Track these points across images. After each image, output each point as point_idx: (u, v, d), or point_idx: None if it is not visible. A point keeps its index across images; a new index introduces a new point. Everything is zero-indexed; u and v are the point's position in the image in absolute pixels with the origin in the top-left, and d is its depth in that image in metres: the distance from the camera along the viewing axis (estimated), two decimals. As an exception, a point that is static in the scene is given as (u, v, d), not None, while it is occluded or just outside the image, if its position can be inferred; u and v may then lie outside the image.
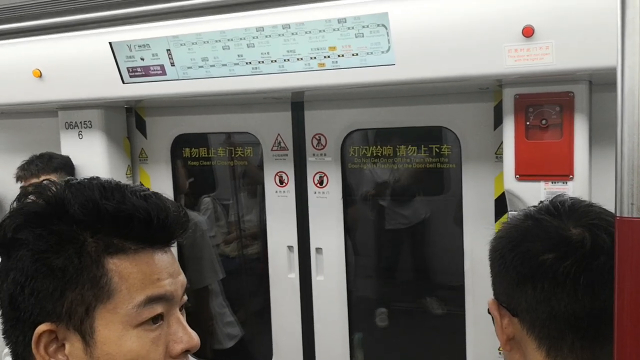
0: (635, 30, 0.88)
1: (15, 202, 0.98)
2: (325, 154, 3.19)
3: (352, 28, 2.39)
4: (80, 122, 3.35)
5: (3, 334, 0.98)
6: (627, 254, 0.90)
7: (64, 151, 3.36)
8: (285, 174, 3.29)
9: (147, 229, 0.95)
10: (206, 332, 3.78)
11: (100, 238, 0.93)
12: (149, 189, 0.99)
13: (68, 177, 1.00)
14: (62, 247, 0.91)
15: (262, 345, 3.59)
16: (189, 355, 1.00)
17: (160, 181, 3.57)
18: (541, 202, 1.21)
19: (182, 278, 1.02)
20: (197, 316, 3.78)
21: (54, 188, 0.96)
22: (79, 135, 3.36)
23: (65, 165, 3.26)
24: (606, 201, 1.15)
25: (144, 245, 0.95)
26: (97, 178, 0.99)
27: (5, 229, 0.94)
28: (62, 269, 0.91)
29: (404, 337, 3.59)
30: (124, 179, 3.44)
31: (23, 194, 1.01)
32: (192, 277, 3.70)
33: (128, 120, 3.57)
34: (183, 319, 1.00)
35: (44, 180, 1.24)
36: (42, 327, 0.91)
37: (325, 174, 3.20)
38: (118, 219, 0.93)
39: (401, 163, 3.20)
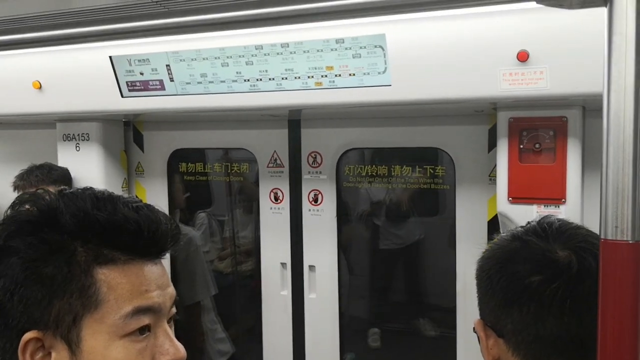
0: (621, 56, 0.90)
1: (9, 210, 0.98)
2: (320, 172, 3.20)
3: (350, 48, 2.42)
4: (78, 135, 3.36)
5: (-10, 341, 0.97)
6: (611, 276, 0.91)
7: (61, 163, 3.36)
8: (280, 190, 3.30)
9: (138, 240, 0.95)
10: (197, 348, 3.75)
11: (90, 248, 0.93)
12: (141, 201, 0.99)
13: (62, 187, 1.00)
14: (52, 255, 0.92)
15: (253, 362, 3.57)
16: None
17: (156, 195, 3.57)
18: (528, 222, 1.21)
19: (172, 290, 1.01)
20: (188, 332, 3.75)
21: (47, 197, 0.96)
22: (76, 147, 3.37)
23: (64, 177, 3.26)
24: (598, 225, 1.15)
25: (134, 256, 0.96)
26: (91, 188, 0.99)
27: None
28: (51, 277, 0.91)
29: (396, 358, 3.57)
30: (119, 193, 3.44)
31: (18, 201, 1.00)
32: (185, 293, 3.68)
33: (125, 134, 3.59)
34: (171, 331, 0.99)
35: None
36: (29, 335, 0.91)
37: (320, 192, 3.21)
38: (109, 230, 0.93)
39: (396, 183, 3.22)
